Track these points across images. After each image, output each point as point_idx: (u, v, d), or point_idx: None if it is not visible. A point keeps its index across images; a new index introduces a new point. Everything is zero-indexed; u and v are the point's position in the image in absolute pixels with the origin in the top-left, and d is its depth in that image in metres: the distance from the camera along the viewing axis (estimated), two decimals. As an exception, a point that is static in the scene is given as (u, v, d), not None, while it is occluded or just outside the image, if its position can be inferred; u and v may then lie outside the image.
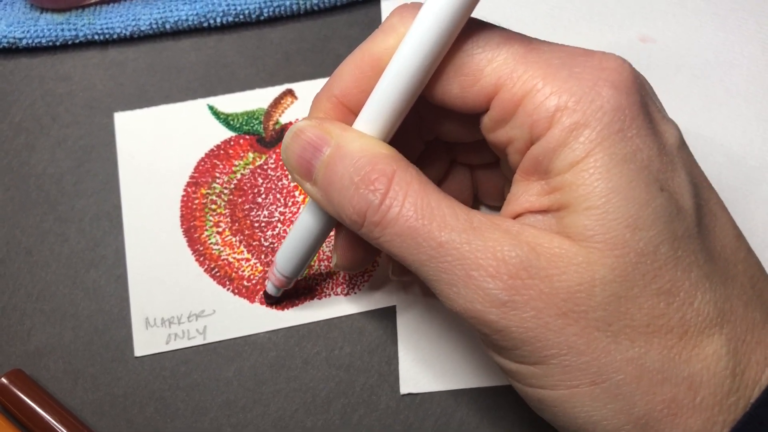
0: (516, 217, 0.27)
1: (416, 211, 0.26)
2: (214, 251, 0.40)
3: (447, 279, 0.26)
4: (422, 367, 0.37)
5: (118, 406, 0.37)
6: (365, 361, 0.38)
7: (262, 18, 0.43)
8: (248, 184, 0.41)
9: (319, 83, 0.42)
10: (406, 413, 0.37)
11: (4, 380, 0.36)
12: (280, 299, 0.38)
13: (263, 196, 0.41)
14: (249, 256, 0.40)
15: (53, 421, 0.36)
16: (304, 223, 0.32)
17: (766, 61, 0.41)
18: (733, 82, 0.41)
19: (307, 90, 0.42)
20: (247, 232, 0.40)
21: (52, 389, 0.38)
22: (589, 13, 0.43)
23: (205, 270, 0.39)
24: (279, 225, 0.40)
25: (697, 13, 0.42)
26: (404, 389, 0.37)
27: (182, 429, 0.37)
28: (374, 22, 0.43)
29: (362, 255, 0.33)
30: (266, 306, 0.39)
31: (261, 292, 0.39)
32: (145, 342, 0.38)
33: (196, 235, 0.40)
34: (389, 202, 0.26)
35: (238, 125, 0.42)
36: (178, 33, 0.43)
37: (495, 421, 0.37)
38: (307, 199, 0.38)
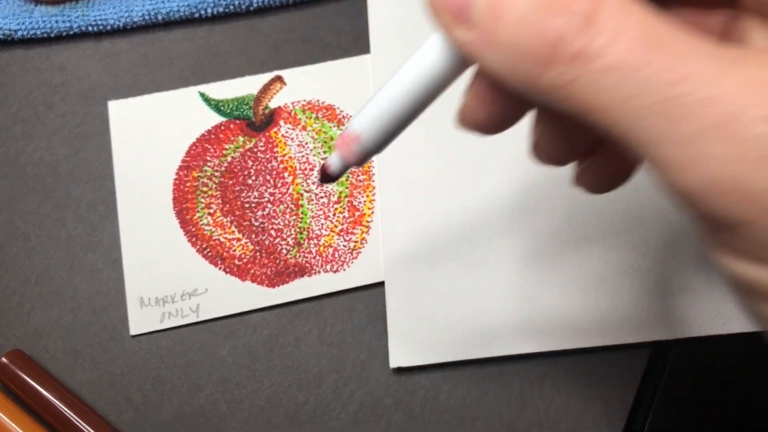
0: None
1: (638, 35, 0.18)
2: (205, 232, 0.41)
3: (687, 131, 0.17)
4: (411, 341, 0.38)
5: (116, 385, 0.38)
6: (356, 338, 0.39)
7: (252, 8, 0.44)
8: (238, 167, 0.42)
9: (308, 70, 0.43)
10: (396, 387, 0.38)
11: (4, 360, 0.37)
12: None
13: (253, 177, 0.42)
14: (240, 235, 0.41)
15: (53, 399, 0.37)
16: (412, 73, 0.24)
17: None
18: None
19: (296, 76, 0.43)
20: (237, 212, 0.41)
21: (52, 369, 0.39)
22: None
23: (197, 250, 0.41)
24: (269, 205, 0.41)
25: None
26: (394, 363, 0.38)
27: (179, 405, 0.38)
28: (361, 12, 0.44)
29: (506, 109, 0.24)
30: (318, 185, 0.34)
31: (318, 173, 0.31)
32: (140, 321, 0.39)
33: (188, 217, 0.41)
34: (596, 27, 0.18)
35: (228, 110, 0.43)
36: (169, 24, 0.45)
37: (481, 393, 0.38)
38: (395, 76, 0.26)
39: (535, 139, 0.26)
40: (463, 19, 0.21)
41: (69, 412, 0.37)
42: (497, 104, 0.24)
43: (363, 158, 0.27)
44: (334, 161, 0.27)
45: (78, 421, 0.37)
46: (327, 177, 0.28)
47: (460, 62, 0.23)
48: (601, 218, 0.40)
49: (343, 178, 0.41)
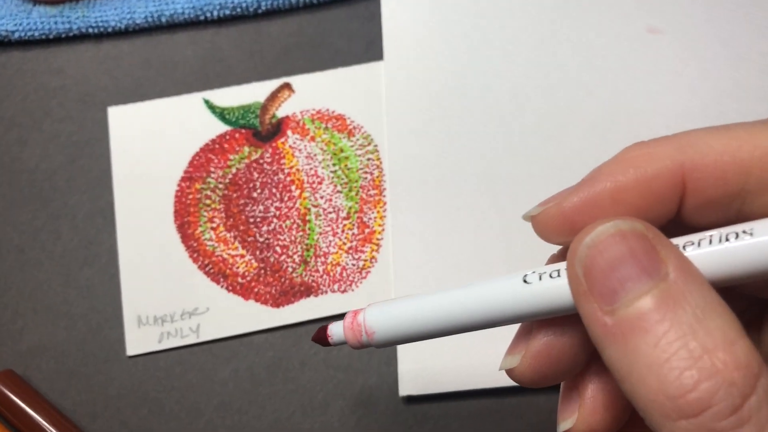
0: None
1: None
2: (208, 247, 0.39)
3: None
4: (422, 369, 0.36)
5: (112, 407, 0.37)
6: (364, 362, 0.37)
7: (259, 11, 0.42)
8: (244, 179, 0.40)
9: (318, 77, 0.41)
10: (405, 416, 0.36)
11: (-7, 381, 0.36)
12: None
13: (258, 191, 0.40)
14: (244, 252, 0.39)
15: (45, 423, 0.35)
16: (476, 301, 0.22)
17: (778, 53, 0.40)
18: (742, 76, 0.40)
19: (305, 84, 0.41)
20: (242, 227, 0.39)
21: (45, 390, 0.37)
22: (597, 4, 0.42)
23: (199, 267, 0.39)
24: (275, 220, 0.39)
25: (706, 6, 0.41)
26: (403, 391, 0.36)
27: (177, 431, 0.36)
28: (374, 16, 0.42)
29: (569, 370, 0.23)
30: (314, 341, 0.26)
31: (316, 333, 0.25)
32: (138, 341, 0.37)
33: (189, 231, 0.39)
34: (743, 416, 0.17)
35: (233, 119, 0.41)
36: (173, 26, 0.42)
37: (495, 425, 0.36)
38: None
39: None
40: (609, 300, 0.19)
41: (61, 436, 0.35)
42: (564, 364, 0.22)
43: (365, 348, 0.24)
44: (335, 334, 0.24)
45: (71, 446, 0.35)
46: (322, 342, 0.25)
47: (553, 310, 0.21)
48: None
49: (352, 193, 0.39)
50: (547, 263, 0.22)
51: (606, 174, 0.21)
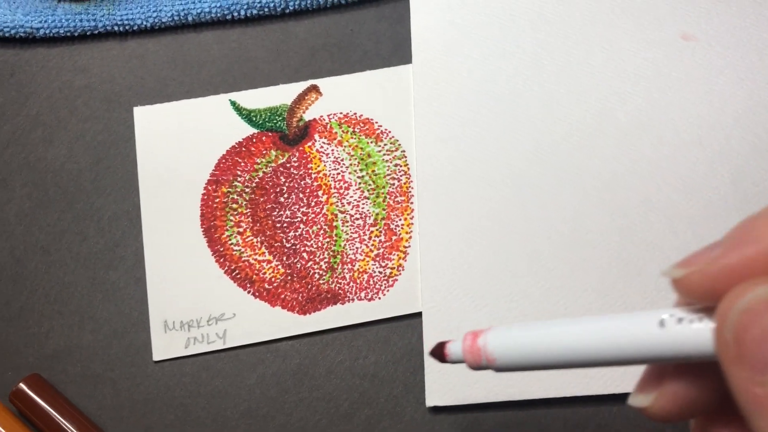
0: None
1: None
2: (234, 252, 0.39)
3: None
4: (449, 379, 0.36)
5: (138, 412, 0.37)
6: (390, 371, 0.37)
7: (287, 11, 0.42)
8: (270, 183, 0.40)
9: (346, 80, 0.41)
10: (431, 426, 0.36)
11: (22, 386, 0.36)
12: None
13: (285, 195, 0.39)
14: (270, 257, 0.39)
15: (71, 427, 0.35)
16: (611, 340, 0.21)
17: (814, 63, 0.39)
18: (778, 85, 0.39)
19: (332, 86, 0.41)
20: (268, 232, 0.39)
21: (70, 394, 0.37)
22: (629, 9, 0.41)
23: (225, 272, 0.38)
24: (302, 226, 0.39)
25: (742, 13, 0.40)
26: (430, 401, 0.36)
27: (202, 437, 0.36)
28: (403, 18, 0.42)
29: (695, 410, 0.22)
30: (431, 356, 0.26)
31: (434, 348, 0.26)
32: (164, 346, 0.37)
33: (216, 236, 0.39)
34: None
35: (260, 121, 0.40)
36: (200, 25, 0.42)
37: (523, 435, 0.36)
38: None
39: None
40: (761, 372, 0.18)
41: (88, 441, 0.35)
42: (697, 407, 0.21)
43: (483, 370, 0.24)
44: (453, 354, 0.24)
45: (97, 451, 0.35)
46: (439, 358, 0.25)
47: (690, 357, 0.20)
48: (653, 254, 0.37)
49: (380, 199, 0.39)
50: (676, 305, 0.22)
51: (761, 233, 0.19)
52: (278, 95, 0.41)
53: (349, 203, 0.39)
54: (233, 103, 0.41)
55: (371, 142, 0.40)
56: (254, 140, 0.40)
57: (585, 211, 0.38)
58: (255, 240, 0.39)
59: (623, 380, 0.36)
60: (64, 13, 0.41)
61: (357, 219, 0.39)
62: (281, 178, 0.40)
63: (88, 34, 0.42)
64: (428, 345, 0.37)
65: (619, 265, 0.37)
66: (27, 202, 0.39)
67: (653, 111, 0.39)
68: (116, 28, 0.41)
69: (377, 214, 0.39)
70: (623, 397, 0.36)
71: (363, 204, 0.39)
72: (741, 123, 0.39)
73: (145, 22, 0.41)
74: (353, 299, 0.38)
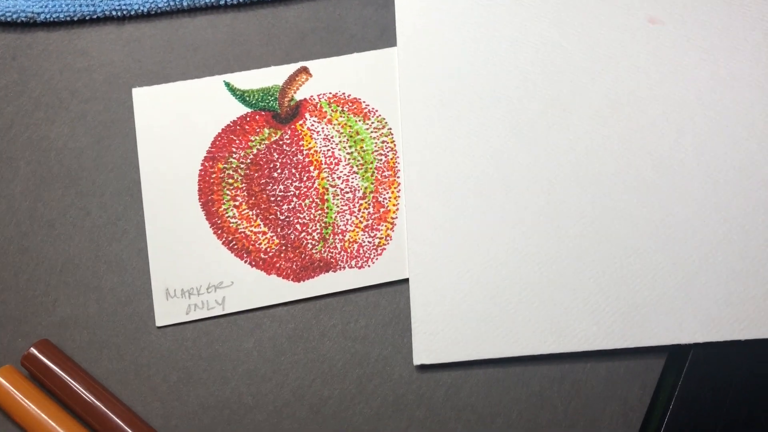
0: None
1: None
2: (231, 224, 0.41)
3: None
4: (434, 339, 0.39)
5: (142, 375, 0.39)
6: (379, 334, 0.39)
7: (277, -4, 0.44)
8: (264, 159, 0.42)
9: (334, 61, 0.43)
10: (419, 383, 0.39)
11: (33, 350, 0.38)
12: None
13: (279, 170, 0.42)
14: (265, 229, 0.41)
15: (80, 388, 0.37)
16: None
17: (770, 45, 0.42)
18: (737, 66, 0.42)
19: (322, 68, 0.43)
20: (263, 206, 0.41)
21: (78, 359, 0.39)
22: (598, -5, 0.44)
23: (223, 242, 0.41)
24: (295, 199, 0.41)
25: (705, -3, 0.43)
26: (417, 360, 0.39)
27: (204, 397, 0.39)
28: (388, 3, 0.44)
29: None
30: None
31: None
32: (166, 312, 0.40)
33: (213, 209, 0.41)
34: None
35: (254, 101, 0.43)
36: (194, 10, 0.44)
37: (502, 391, 0.39)
38: None
39: None
40: None
41: (96, 402, 0.37)
42: None
43: None
44: None
45: (105, 411, 0.37)
46: None
47: None
48: (622, 222, 0.40)
49: (368, 174, 0.41)
50: None
51: None
52: (270, 76, 0.43)
53: (339, 178, 0.41)
54: (227, 84, 0.43)
55: (359, 121, 0.42)
56: (248, 119, 0.42)
57: (560, 183, 0.41)
58: (250, 213, 0.41)
59: (594, 339, 0.39)
60: (63, -2, 0.43)
61: (347, 192, 0.41)
62: (274, 154, 0.42)
63: (87, 18, 0.43)
64: (415, 309, 0.39)
65: (591, 233, 0.40)
66: (32, 179, 0.41)
67: (623, 89, 0.42)
68: (114, 12, 0.43)
69: (366, 188, 0.41)
70: (596, 354, 0.39)
71: (352, 178, 0.41)
72: (703, 100, 0.42)
73: (142, 7, 0.43)
74: (344, 267, 0.40)
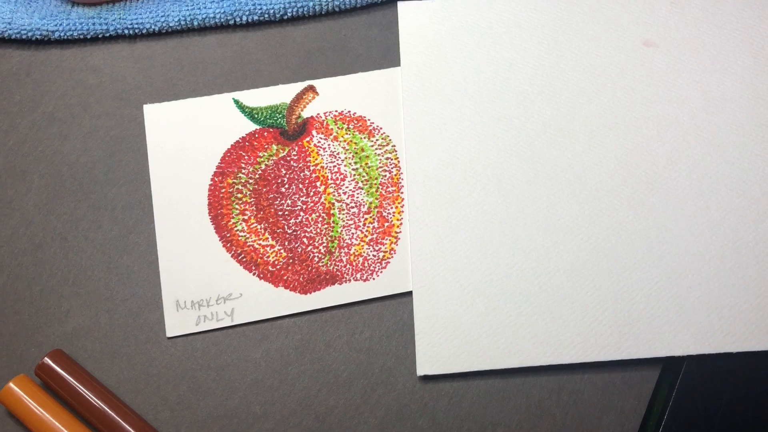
0: None
1: None
2: (240, 237, 0.42)
3: None
4: (437, 350, 0.40)
5: (153, 385, 0.40)
6: (384, 345, 0.41)
7: (285, 17, 0.45)
8: (272, 175, 0.43)
9: (340, 80, 0.44)
10: (422, 393, 0.40)
11: (47, 359, 0.38)
12: None
13: (286, 186, 0.43)
14: (273, 242, 0.42)
15: (93, 397, 0.38)
16: None
17: (758, 69, 0.44)
18: (728, 87, 0.44)
19: (328, 86, 0.44)
20: (271, 219, 0.42)
21: (90, 369, 0.40)
22: (596, 17, 0.45)
23: (232, 255, 0.42)
24: (302, 213, 0.42)
25: (697, 22, 0.45)
26: (421, 371, 0.40)
27: (213, 406, 0.40)
28: (391, 24, 0.46)
29: None
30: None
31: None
32: (176, 323, 0.41)
33: (222, 223, 0.42)
34: None
35: (262, 118, 0.44)
36: (204, 29, 0.45)
37: (503, 401, 0.40)
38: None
39: None
40: None
41: (108, 410, 0.38)
42: None
43: None
44: None
45: (117, 419, 0.38)
46: None
47: None
48: (618, 238, 0.41)
49: (373, 189, 0.43)
50: None
51: None
52: (278, 94, 0.44)
53: (344, 193, 0.43)
54: (236, 102, 0.44)
55: (364, 138, 0.44)
56: (257, 135, 0.44)
57: (558, 200, 0.42)
58: (259, 226, 0.42)
59: (592, 351, 0.40)
60: (77, 17, 0.44)
61: (352, 207, 0.43)
62: (282, 170, 0.43)
63: (99, 36, 0.45)
64: (418, 321, 0.40)
65: (588, 248, 0.41)
66: (45, 193, 0.42)
67: (618, 110, 0.44)
68: (126, 31, 0.45)
69: (371, 203, 0.43)
70: (593, 365, 0.41)
71: (357, 194, 0.43)
72: (696, 120, 0.43)
73: (153, 26, 0.45)
74: (350, 280, 0.42)
